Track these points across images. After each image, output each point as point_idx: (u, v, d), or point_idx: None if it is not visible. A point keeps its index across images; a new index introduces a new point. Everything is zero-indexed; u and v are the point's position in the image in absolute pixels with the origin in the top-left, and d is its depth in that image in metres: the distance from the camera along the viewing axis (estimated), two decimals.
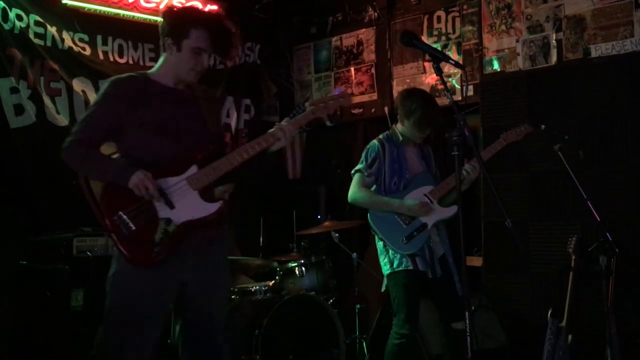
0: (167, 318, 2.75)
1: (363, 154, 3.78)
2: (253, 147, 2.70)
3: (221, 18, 2.83)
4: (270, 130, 2.76)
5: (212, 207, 2.67)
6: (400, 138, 3.79)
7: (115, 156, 2.78)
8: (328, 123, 2.85)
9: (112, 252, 2.70)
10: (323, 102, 2.84)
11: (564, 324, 3.78)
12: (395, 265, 3.62)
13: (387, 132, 3.86)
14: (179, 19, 2.73)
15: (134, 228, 2.57)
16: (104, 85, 2.75)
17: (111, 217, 2.58)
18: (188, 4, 5.60)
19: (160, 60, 2.81)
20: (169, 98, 2.73)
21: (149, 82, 2.75)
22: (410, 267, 3.59)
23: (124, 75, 2.78)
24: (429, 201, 3.63)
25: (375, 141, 3.79)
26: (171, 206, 2.60)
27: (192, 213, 2.63)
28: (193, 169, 2.66)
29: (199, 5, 5.67)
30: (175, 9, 2.88)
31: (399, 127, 3.82)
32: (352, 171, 3.80)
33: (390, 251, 3.64)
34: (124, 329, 2.61)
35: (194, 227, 2.65)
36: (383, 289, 3.79)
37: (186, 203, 2.62)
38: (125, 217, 2.57)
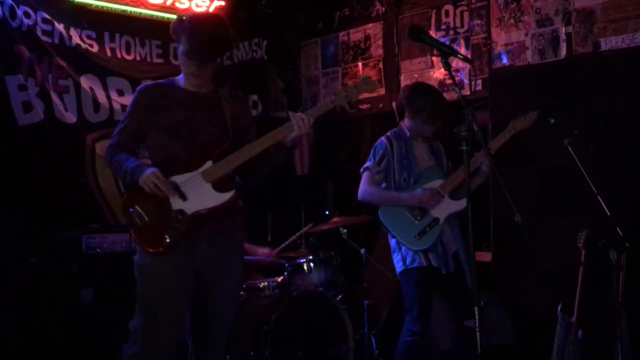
0: (190, 304, 2.86)
1: (371, 152, 3.77)
2: (268, 139, 2.81)
3: (208, 20, 2.87)
4: (286, 124, 2.82)
5: (225, 197, 2.78)
6: (408, 134, 3.77)
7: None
8: (349, 109, 2.91)
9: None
10: (345, 91, 2.89)
11: (574, 319, 3.76)
12: (408, 262, 3.61)
13: (394, 129, 3.84)
14: (175, 25, 2.86)
15: (147, 219, 2.75)
16: (135, 93, 2.96)
17: (127, 210, 2.79)
18: (195, 1, 5.61)
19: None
20: (186, 102, 2.87)
21: (174, 87, 2.92)
22: (424, 264, 3.57)
23: (151, 82, 2.99)
24: (438, 192, 3.61)
25: (382, 138, 3.77)
26: (184, 198, 2.74)
27: (204, 203, 2.76)
28: (208, 164, 2.79)
29: (206, 2, 5.68)
30: (181, 15, 3.02)
31: (405, 123, 3.80)
32: (361, 169, 3.79)
33: (403, 248, 3.63)
34: (155, 310, 2.77)
35: (207, 217, 2.77)
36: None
37: (199, 194, 2.76)
38: (139, 209, 2.76)
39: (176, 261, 2.76)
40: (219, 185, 2.79)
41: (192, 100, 2.88)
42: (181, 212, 2.74)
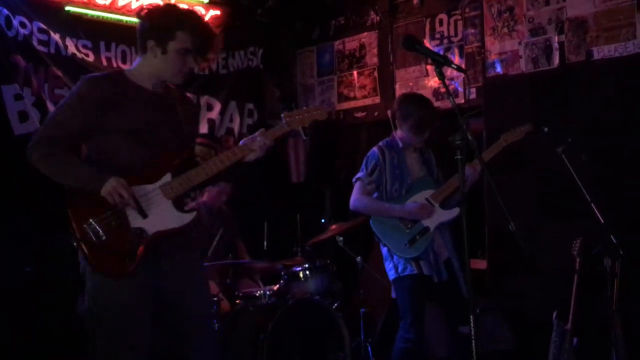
0: (153, 326, 2.64)
1: (364, 162, 3.80)
2: (228, 158, 2.68)
3: (201, 17, 2.74)
4: (245, 140, 2.75)
5: (186, 218, 2.62)
6: (400, 144, 3.80)
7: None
8: (303, 136, 2.81)
9: (83, 267, 2.61)
10: (298, 114, 2.79)
11: (569, 326, 3.78)
12: (400, 270, 3.63)
13: (386, 139, 3.87)
14: (163, 20, 2.63)
15: (104, 237, 2.48)
16: (78, 83, 2.63)
17: (80, 225, 2.48)
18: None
19: (139, 61, 2.72)
20: (146, 102, 2.64)
21: (127, 83, 2.64)
22: (416, 272, 3.59)
23: (99, 74, 2.70)
24: (429, 204, 3.63)
25: (375, 149, 3.81)
26: (144, 215, 2.53)
27: (165, 223, 2.57)
28: (167, 177, 2.60)
29: (202, 11, 5.70)
30: (157, 9, 2.73)
31: (398, 133, 3.84)
32: (353, 179, 3.82)
33: (395, 256, 3.65)
34: (114, 341, 2.55)
35: (167, 237, 2.59)
36: (393, 295, 3.78)
37: (160, 212, 2.56)
38: (95, 224, 2.48)
39: (136, 285, 2.54)
40: (180, 204, 2.64)
41: (153, 101, 2.66)
42: (140, 230, 2.51)
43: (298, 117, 2.78)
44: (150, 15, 2.68)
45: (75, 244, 2.52)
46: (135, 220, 2.53)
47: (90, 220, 2.48)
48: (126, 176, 2.51)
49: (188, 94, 5.24)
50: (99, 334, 2.59)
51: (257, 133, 2.76)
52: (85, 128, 2.57)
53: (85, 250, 2.48)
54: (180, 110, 2.75)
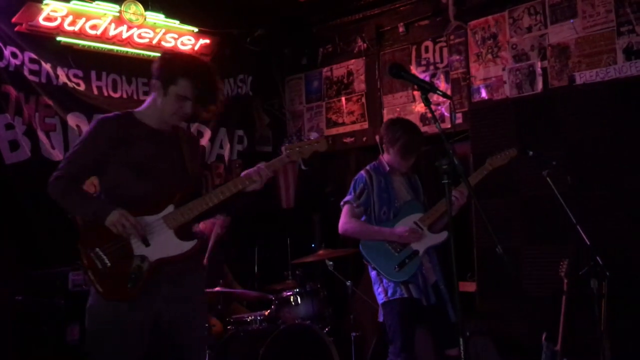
0: (149, 349, 2.73)
1: (351, 186, 3.84)
2: (229, 189, 2.81)
3: (210, 70, 2.87)
4: (246, 172, 2.85)
5: (187, 246, 2.76)
6: (387, 167, 3.85)
7: (96, 193, 2.88)
8: (302, 167, 2.91)
9: (88, 287, 2.73)
10: (299, 146, 2.92)
11: (558, 347, 3.81)
12: (389, 293, 3.65)
13: (374, 162, 3.92)
14: (169, 65, 2.80)
15: (109, 264, 2.65)
16: (92, 123, 2.86)
17: (88, 253, 2.65)
18: (181, 39, 5.70)
19: (149, 100, 2.90)
20: (151, 139, 2.80)
21: (135, 121, 2.83)
22: (405, 295, 3.61)
23: (111, 114, 2.87)
24: (418, 228, 3.68)
25: (362, 172, 3.85)
26: (147, 243, 2.68)
27: (166, 251, 2.71)
28: (170, 208, 2.75)
29: (192, 40, 5.78)
30: (171, 53, 2.96)
31: (385, 157, 3.88)
32: (341, 203, 3.85)
33: (384, 280, 3.67)
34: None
35: (169, 264, 2.72)
36: (380, 318, 3.80)
37: (161, 241, 2.71)
38: (101, 252, 2.65)
39: (136, 306, 2.66)
40: (182, 233, 2.75)
41: (157, 138, 2.82)
42: (143, 258, 2.67)
43: (298, 150, 2.92)
44: (164, 58, 2.88)
45: (83, 272, 2.69)
46: (138, 248, 2.68)
47: (97, 249, 2.65)
48: (131, 207, 2.66)
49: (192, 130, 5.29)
50: (91, 351, 2.69)
51: (259, 164, 2.87)
52: (97, 163, 2.76)
53: (92, 277, 2.64)
54: (185, 148, 2.90)
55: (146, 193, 2.73)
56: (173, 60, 2.85)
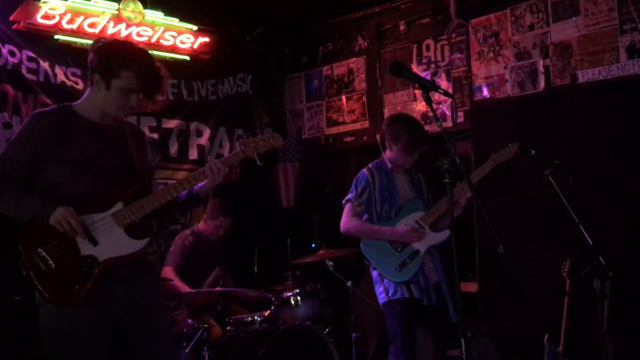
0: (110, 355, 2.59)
1: (353, 184, 3.81)
2: (182, 186, 2.72)
3: (152, 59, 2.73)
4: (199, 170, 2.78)
5: (139, 244, 2.63)
6: (389, 165, 3.81)
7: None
8: (258, 162, 2.84)
9: (38, 299, 2.55)
10: (253, 142, 2.85)
11: (560, 348, 3.78)
12: (390, 294, 3.62)
13: (376, 160, 3.88)
14: (109, 57, 2.63)
15: (53, 265, 2.47)
16: (27, 118, 2.69)
17: (29, 254, 2.47)
18: (180, 37, 5.66)
19: (87, 93, 2.73)
20: (94, 134, 2.65)
21: (74, 115, 2.66)
22: (406, 296, 3.58)
23: (47, 108, 2.73)
24: (419, 227, 3.64)
25: (364, 170, 3.81)
26: (94, 243, 2.53)
27: (117, 250, 2.57)
28: (119, 206, 2.61)
29: (191, 38, 5.74)
30: (109, 44, 2.72)
31: (387, 155, 3.85)
32: (343, 201, 3.82)
33: (385, 280, 3.64)
34: None
35: (119, 264, 2.58)
36: None
37: (111, 239, 2.57)
38: (44, 253, 2.48)
39: (91, 313, 2.50)
40: (132, 231, 2.61)
41: (99, 132, 2.67)
42: (91, 258, 2.51)
43: (253, 145, 2.84)
44: (100, 50, 2.67)
45: (24, 274, 2.49)
46: (85, 248, 2.53)
47: (39, 249, 2.48)
48: (76, 206, 2.51)
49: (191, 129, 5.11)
50: None
51: (211, 160, 2.80)
52: (34, 161, 2.57)
53: (35, 280, 2.46)
54: (131, 142, 2.77)
55: (92, 190, 2.58)
56: (111, 51, 2.65)
